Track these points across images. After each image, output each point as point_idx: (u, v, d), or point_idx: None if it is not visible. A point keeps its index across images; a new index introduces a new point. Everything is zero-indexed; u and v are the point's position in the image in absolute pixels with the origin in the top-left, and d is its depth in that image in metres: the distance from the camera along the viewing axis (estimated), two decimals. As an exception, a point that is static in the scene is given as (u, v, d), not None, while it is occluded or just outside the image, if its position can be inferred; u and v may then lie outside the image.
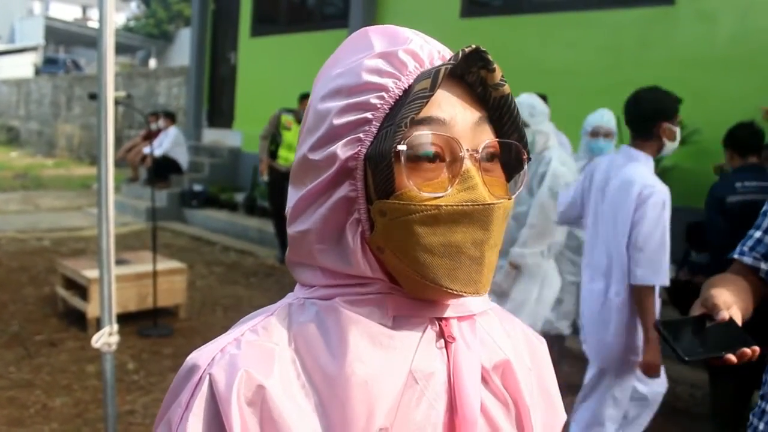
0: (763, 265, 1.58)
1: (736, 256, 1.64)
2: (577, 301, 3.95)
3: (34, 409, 3.60)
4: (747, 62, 5.40)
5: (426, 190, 0.65)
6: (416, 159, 0.66)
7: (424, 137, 0.66)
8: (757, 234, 1.62)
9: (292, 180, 0.75)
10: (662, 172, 5.56)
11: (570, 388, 4.05)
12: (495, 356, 0.75)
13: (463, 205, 0.65)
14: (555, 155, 3.50)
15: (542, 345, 0.86)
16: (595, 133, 3.92)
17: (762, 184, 3.48)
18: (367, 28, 0.75)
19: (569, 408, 3.91)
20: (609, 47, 6.28)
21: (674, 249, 5.14)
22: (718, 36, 5.64)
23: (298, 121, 7.05)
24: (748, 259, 1.60)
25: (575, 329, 4.01)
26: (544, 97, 4.43)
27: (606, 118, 3.95)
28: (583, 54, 6.44)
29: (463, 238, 0.66)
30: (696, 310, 1.36)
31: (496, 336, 0.78)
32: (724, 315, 1.30)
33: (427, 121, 0.66)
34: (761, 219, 1.64)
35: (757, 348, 1.30)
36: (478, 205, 0.66)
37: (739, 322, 1.35)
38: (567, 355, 4.18)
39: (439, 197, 0.65)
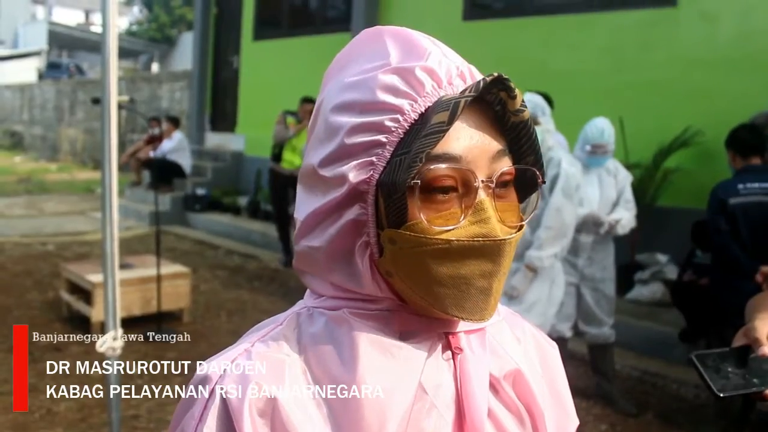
0: None
1: None
2: (578, 303, 3.95)
3: (39, 414, 3.61)
4: (749, 63, 5.39)
5: (437, 223, 0.65)
6: (430, 192, 0.65)
7: (439, 171, 0.64)
8: None
9: (301, 183, 0.73)
10: (665, 174, 5.57)
11: (573, 391, 4.04)
12: (506, 365, 0.75)
13: (474, 240, 0.65)
14: (564, 157, 3.50)
15: (553, 349, 0.86)
16: (593, 152, 3.86)
17: (764, 186, 3.47)
18: (382, 28, 0.73)
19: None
20: (611, 49, 6.28)
21: (678, 250, 5.15)
22: (720, 37, 5.64)
23: (299, 122, 7.09)
24: None
25: (576, 332, 4.01)
26: (548, 97, 4.42)
27: (606, 134, 3.81)
28: (585, 56, 6.44)
29: (472, 270, 0.66)
30: (738, 341, 1.31)
31: (507, 344, 0.78)
32: (765, 351, 1.21)
33: (443, 158, 0.64)
34: None
35: None
36: (489, 240, 0.65)
37: None
38: (569, 358, 4.18)
39: (450, 230, 0.65)
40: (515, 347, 0.78)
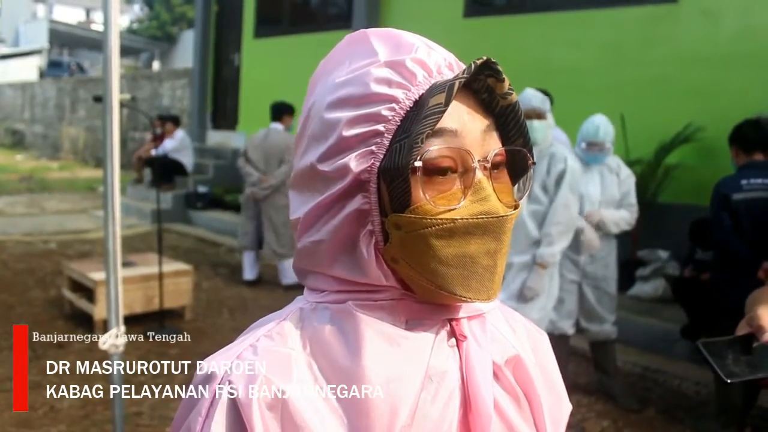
0: None
1: None
2: (579, 300, 3.95)
3: (42, 411, 3.62)
4: (751, 59, 5.38)
5: (440, 203, 0.66)
6: (430, 174, 0.66)
7: (439, 151, 0.66)
8: None
9: (294, 186, 0.74)
10: (666, 170, 5.57)
11: (575, 387, 4.05)
12: (506, 352, 0.77)
13: (477, 218, 0.67)
14: (568, 153, 3.51)
15: (543, 337, 0.87)
16: (589, 149, 3.84)
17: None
18: (366, 30, 0.74)
19: (574, 406, 3.90)
20: (612, 45, 6.28)
21: (679, 246, 5.15)
22: (722, 33, 5.63)
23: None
24: None
25: (578, 329, 4.02)
26: (547, 93, 4.42)
27: (602, 132, 3.80)
28: (586, 52, 6.43)
29: (477, 249, 0.67)
30: (741, 330, 1.32)
31: (504, 332, 0.80)
32: None
33: (440, 132, 0.66)
34: None
35: None
36: (491, 217, 0.67)
37: None
38: (572, 355, 4.18)
39: (453, 209, 0.66)
40: (511, 335, 0.80)
